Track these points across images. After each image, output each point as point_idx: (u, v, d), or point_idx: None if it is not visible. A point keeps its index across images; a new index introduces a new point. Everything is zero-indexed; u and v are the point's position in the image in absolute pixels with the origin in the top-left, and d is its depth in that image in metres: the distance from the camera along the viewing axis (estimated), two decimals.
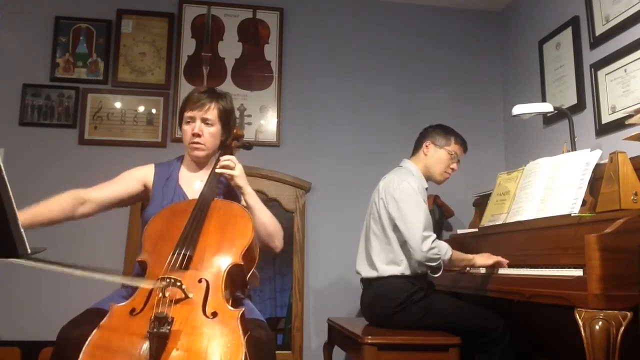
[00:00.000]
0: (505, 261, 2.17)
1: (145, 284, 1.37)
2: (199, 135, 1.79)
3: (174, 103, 3.23)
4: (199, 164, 1.87)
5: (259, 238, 1.77)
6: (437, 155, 2.40)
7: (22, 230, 0.99)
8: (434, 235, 2.18)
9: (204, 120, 1.80)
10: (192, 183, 1.84)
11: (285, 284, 3.28)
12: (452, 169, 2.43)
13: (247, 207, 1.74)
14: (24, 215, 1.45)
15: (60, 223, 1.63)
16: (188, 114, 1.81)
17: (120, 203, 1.80)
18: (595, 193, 1.97)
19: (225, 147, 1.89)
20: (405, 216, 2.20)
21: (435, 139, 2.41)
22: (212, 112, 1.80)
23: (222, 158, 1.78)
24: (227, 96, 1.88)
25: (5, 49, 3.14)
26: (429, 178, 2.43)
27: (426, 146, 2.41)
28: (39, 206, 1.57)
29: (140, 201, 1.86)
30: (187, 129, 1.81)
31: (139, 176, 1.82)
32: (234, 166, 1.76)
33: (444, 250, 2.17)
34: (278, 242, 1.82)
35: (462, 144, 2.44)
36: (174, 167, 1.88)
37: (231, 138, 1.91)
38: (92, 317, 1.40)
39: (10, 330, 2.81)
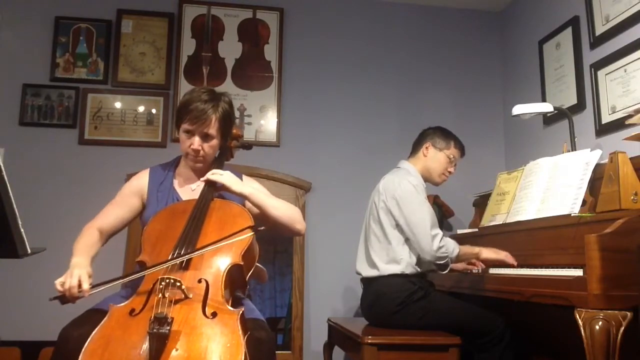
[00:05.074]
0: (512, 259, 2.15)
1: None
2: (197, 151, 1.73)
3: (174, 103, 3.22)
4: (196, 169, 1.82)
5: (279, 230, 1.74)
6: (436, 157, 2.41)
7: (22, 230, 0.99)
8: (441, 233, 2.19)
9: (204, 136, 1.72)
10: (188, 186, 1.82)
11: (285, 284, 3.28)
12: (450, 172, 2.45)
13: (257, 207, 1.71)
14: (87, 257, 1.55)
15: None
16: (186, 126, 1.70)
17: (127, 224, 1.79)
18: (595, 193, 1.96)
19: (224, 148, 1.85)
20: (409, 217, 2.21)
21: (436, 141, 2.43)
22: (212, 127, 1.71)
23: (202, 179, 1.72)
24: (228, 102, 1.78)
25: (5, 49, 3.14)
26: (427, 179, 2.44)
27: (426, 148, 2.42)
28: (85, 245, 1.59)
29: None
30: (186, 140, 1.74)
31: (135, 190, 1.78)
32: (221, 174, 1.69)
33: (452, 248, 2.19)
34: (300, 226, 1.76)
35: (461, 148, 2.47)
36: (170, 169, 1.84)
37: (230, 138, 1.87)
38: (93, 317, 1.41)
39: (10, 330, 2.81)
